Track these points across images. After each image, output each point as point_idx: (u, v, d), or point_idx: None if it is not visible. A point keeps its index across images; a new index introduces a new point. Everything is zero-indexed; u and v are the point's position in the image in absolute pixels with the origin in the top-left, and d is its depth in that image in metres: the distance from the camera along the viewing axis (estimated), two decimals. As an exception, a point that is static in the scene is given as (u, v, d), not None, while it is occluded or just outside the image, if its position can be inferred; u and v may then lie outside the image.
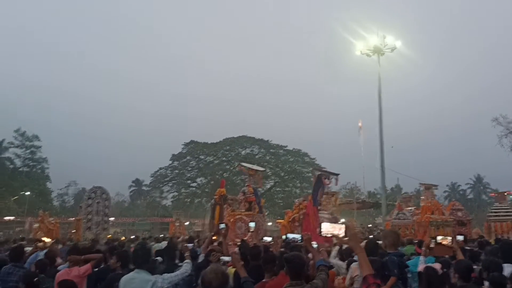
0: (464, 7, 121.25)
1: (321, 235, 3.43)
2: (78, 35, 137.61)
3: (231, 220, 15.18)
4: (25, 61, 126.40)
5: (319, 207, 15.02)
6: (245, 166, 17.33)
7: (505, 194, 20.95)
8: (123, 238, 25.31)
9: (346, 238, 3.41)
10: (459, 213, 18.87)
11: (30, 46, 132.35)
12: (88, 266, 5.99)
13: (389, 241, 5.56)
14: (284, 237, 8.72)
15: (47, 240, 16.81)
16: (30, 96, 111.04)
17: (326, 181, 15.26)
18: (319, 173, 15.80)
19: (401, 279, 5.20)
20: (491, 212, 19.13)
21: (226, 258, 4.86)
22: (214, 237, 17.84)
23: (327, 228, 3.37)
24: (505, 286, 4.07)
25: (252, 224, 8.88)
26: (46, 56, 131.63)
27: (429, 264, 3.85)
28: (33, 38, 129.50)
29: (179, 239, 9.88)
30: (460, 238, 7.37)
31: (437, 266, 3.73)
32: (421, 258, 6.01)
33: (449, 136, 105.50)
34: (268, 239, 7.56)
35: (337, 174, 15.73)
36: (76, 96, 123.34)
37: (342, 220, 29.13)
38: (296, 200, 19.18)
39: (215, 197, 20.33)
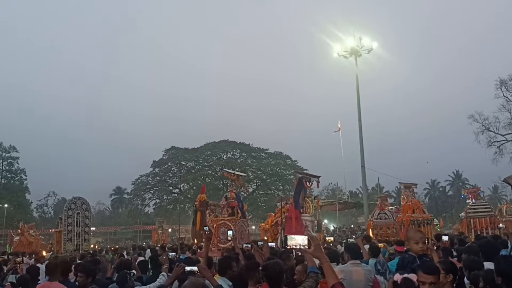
0: (440, 9, 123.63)
1: (286, 247, 3.47)
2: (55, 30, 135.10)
3: (214, 226, 15.12)
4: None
5: (301, 210, 15.03)
6: (227, 172, 17.45)
7: (474, 190, 21.29)
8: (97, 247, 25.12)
9: (310, 249, 3.44)
10: (420, 212, 19.05)
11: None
12: None
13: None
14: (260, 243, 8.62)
15: (45, 253, 16.54)
16: (7, 99, 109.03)
17: (308, 184, 15.29)
18: (301, 176, 15.83)
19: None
20: (470, 208, 19.40)
21: (194, 268, 4.80)
22: (195, 242, 17.83)
23: (291, 241, 3.40)
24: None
25: (230, 232, 8.85)
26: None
27: (406, 275, 3.85)
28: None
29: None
30: (445, 238, 7.48)
31: (413, 277, 3.73)
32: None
33: (428, 135, 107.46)
34: None
35: (318, 177, 15.78)
36: (57, 98, 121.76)
37: (325, 221, 29.36)
38: (278, 203, 19.21)
39: (196, 203, 20.26)
